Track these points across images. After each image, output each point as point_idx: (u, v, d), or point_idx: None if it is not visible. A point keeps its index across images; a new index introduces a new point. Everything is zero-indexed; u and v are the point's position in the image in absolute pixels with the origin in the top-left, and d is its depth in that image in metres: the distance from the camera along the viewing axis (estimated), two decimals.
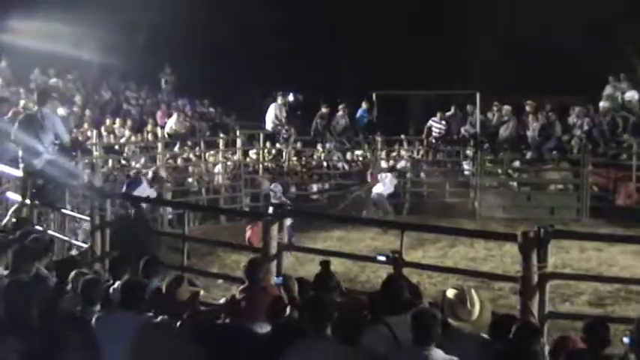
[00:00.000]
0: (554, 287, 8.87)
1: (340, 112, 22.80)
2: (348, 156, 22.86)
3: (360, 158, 22.66)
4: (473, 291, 6.16)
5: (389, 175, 20.21)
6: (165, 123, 21.15)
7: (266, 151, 21.59)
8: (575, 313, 9.63)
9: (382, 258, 8.61)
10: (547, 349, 5.98)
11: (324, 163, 22.30)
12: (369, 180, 20.22)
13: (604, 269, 13.77)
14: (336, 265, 9.77)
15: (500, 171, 21.61)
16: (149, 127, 21.39)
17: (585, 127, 20.83)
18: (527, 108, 21.52)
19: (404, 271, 8.19)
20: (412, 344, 5.44)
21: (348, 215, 18.52)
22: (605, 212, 19.33)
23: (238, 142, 21.09)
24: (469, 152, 21.73)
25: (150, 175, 16.92)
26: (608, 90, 21.97)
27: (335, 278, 7.18)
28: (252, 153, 21.35)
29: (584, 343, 6.02)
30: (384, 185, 19.87)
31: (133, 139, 20.54)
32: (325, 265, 7.47)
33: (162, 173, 17.36)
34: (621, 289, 11.85)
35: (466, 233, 13.88)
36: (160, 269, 7.76)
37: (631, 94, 21.42)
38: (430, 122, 22.63)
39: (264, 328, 6.23)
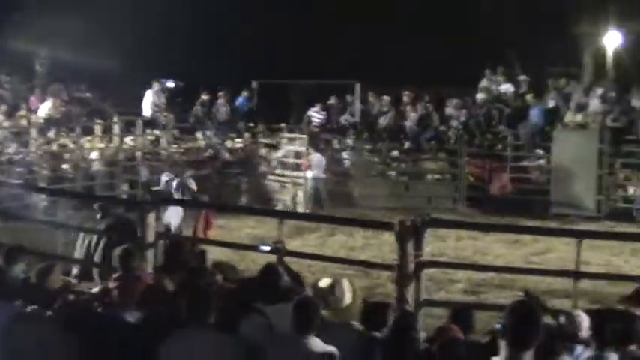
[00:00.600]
0: (430, 275, 9.03)
1: (221, 100, 22.62)
2: (229, 144, 22.64)
3: (241, 146, 22.47)
4: (345, 280, 6.18)
5: (318, 156, 19.98)
6: (39, 108, 20.52)
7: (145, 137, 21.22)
8: (449, 301, 9.79)
9: (265, 247, 8.57)
10: (422, 335, 6.04)
11: (207, 152, 22.02)
12: (302, 168, 19.84)
13: (479, 257, 14.13)
14: (217, 253, 9.70)
15: (378, 160, 21.88)
16: (22, 112, 20.68)
17: (462, 119, 21.32)
18: (405, 99, 21.89)
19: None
20: (292, 333, 5.40)
21: (227, 203, 18.48)
22: (480, 202, 19.83)
23: (116, 128, 20.66)
24: (349, 142, 21.91)
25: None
26: (484, 82, 22.55)
27: (210, 267, 7.14)
28: (129, 140, 20.92)
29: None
30: (318, 168, 19.64)
31: (5, 124, 19.84)
32: (201, 255, 7.43)
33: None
34: (495, 277, 12.12)
35: (345, 222, 14.00)
36: (21, 256, 7.45)
37: (506, 87, 22.05)
38: (310, 112, 22.74)
39: (137, 317, 6.08)
